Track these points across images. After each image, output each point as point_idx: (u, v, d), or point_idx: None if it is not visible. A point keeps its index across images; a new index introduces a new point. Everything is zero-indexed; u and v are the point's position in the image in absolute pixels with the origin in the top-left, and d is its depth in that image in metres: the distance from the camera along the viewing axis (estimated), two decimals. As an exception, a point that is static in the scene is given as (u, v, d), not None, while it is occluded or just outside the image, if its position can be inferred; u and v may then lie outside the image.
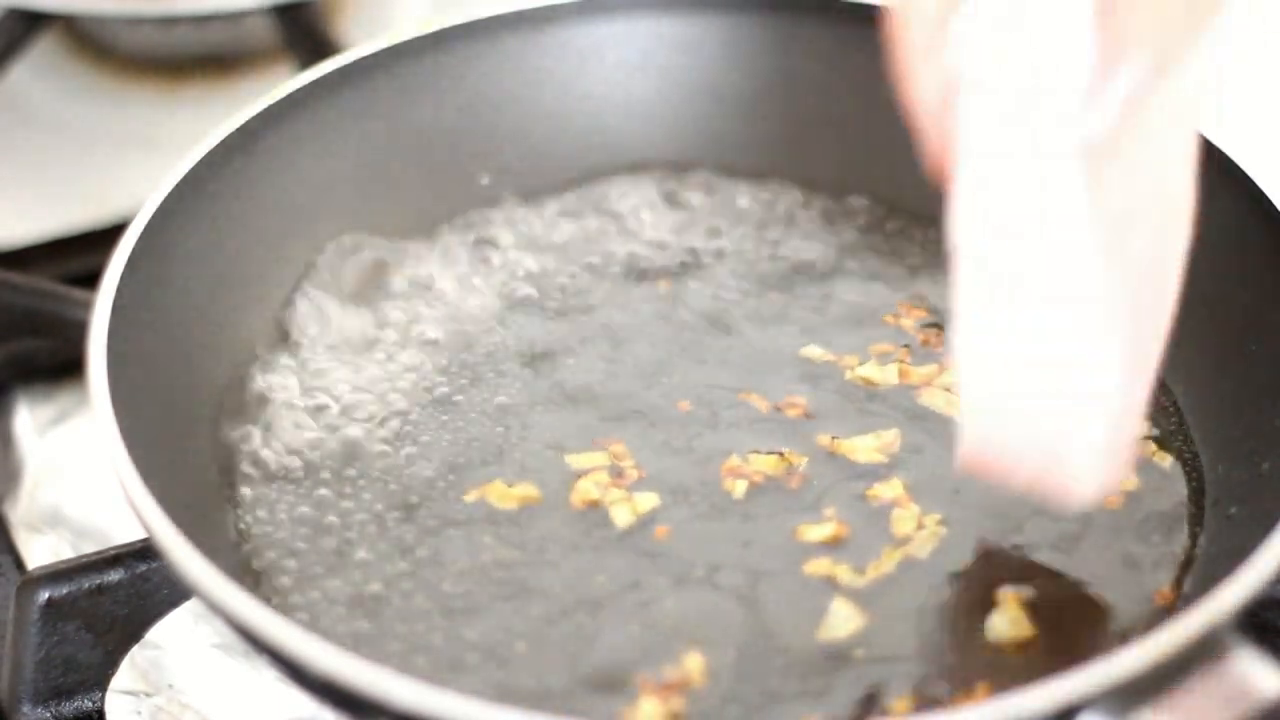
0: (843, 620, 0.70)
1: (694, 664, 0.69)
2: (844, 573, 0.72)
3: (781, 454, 0.77)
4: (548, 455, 0.78)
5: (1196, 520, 0.75)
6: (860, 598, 0.71)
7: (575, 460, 0.77)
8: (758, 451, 0.77)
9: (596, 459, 0.77)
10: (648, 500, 0.75)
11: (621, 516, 0.75)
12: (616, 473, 0.77)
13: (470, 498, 0.76)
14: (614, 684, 0.69)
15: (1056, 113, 0.63)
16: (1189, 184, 0.68)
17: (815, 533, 0.74)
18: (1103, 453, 0.68)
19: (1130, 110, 0.63)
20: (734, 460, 0.77)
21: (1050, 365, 0.66)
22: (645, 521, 0.75)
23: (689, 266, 0.88)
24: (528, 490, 0.76)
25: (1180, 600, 0.71)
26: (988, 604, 0.70)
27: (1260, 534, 0.66)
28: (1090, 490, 0.69)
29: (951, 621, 0.71)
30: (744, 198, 0.91)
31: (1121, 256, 0.65)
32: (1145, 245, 0.66)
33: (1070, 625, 0.70)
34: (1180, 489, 0.76)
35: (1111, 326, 0.65)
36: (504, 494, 0.76)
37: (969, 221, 0.66)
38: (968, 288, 0.67)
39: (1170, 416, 0.79)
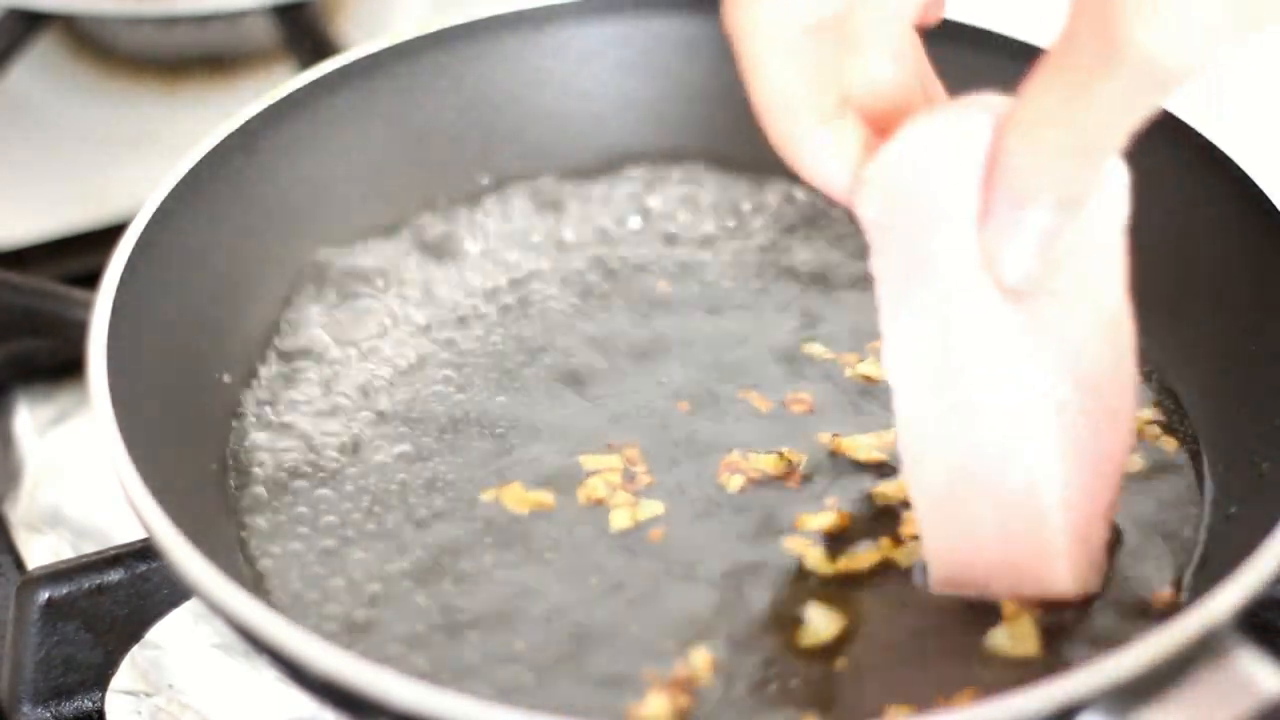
0: (825, 624, 0.70)
1: (701, 660, 0.69)
2: (822, 563, 0.72)
3: (781, 453, 0.77)
4: (552, 457, 0.78)
5: (1196, 520, 0.75)
6: (838, 599, 0.71)
7: (589, 461, 0.77)
8: (756, 450, 0.77)
9: (610, 461, 0.77)
10: (651, 508, 0.75)
11: (620, 519, 0.75)
12: (629, 477, 0.76)
13: (487, 497, 0.76)
14: (619, 681, 0.69)
15: (970, 261, 0.64)
16: (1122, 298, 0.68)
17: (815, 522, 0.74)
18: (1071, 556, 0.69)
19: (1046, 250, 0.63)
20: (734, 456, 0.77)
21: (1005, 490, 0.67)
22: (643, 526, 0.75)
23: (689, 265, 0.88)
24: (543, 495, 0.76)
25: (1180, 600, 0.71)
26: (995, 613, 0.70)
27: (1260, 534, 0.66)
28: (1069, 587, 0.70)
29: (947, 625, 0.71)
30: (744, 197, 0.91)
31: (1075, 380, 0.67)
32: (1095, 361, 0.68)
33: (1073, 644, 0.70)
34: (1181, 488, 0.76)
35: (1065, 441, 0.67)
36: (520, 498, 0.76)
37: (901, 365, 0.68)
38: (908, 427, 0.69)
39: (1172, 415, 0.79)
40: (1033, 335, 0.66)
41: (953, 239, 0.65)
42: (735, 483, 0.76)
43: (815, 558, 0.72)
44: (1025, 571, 0.69)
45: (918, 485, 0.70)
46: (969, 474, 0.68)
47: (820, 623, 0.70)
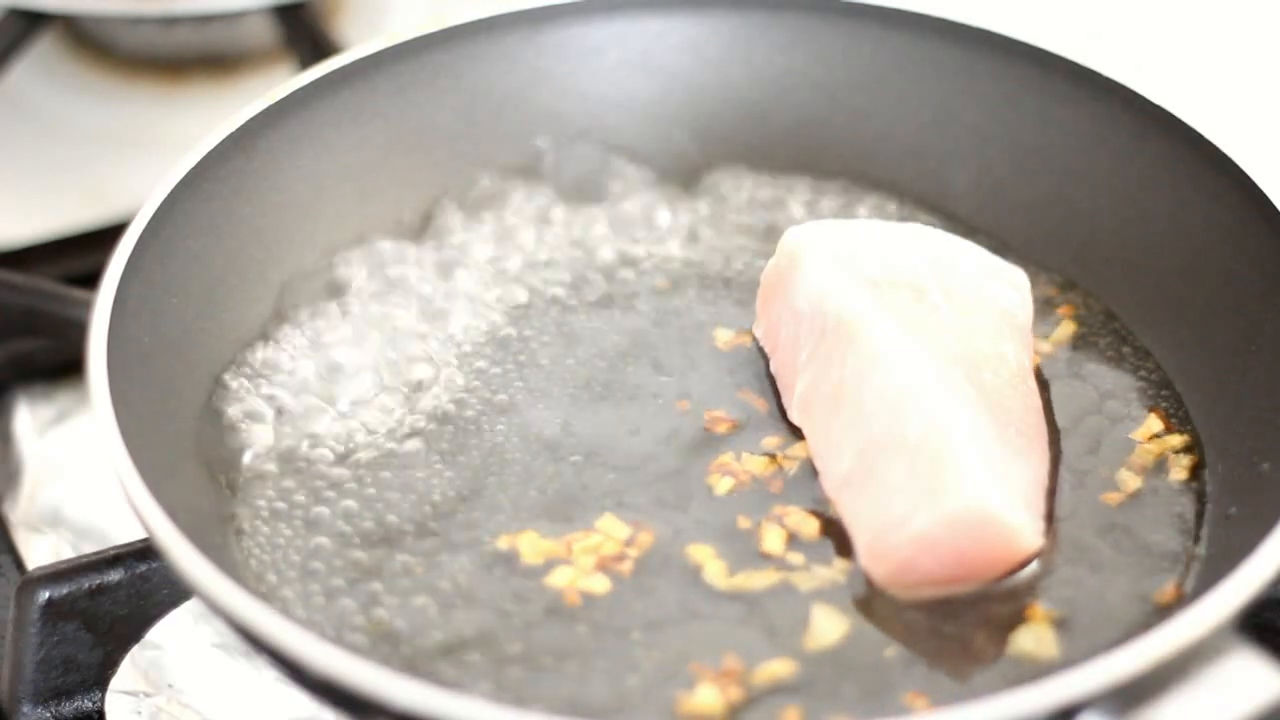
0: (831, 626, 0.70)
1: (781, 668, 0.69)
2: (803, 579, 0.72)
3: (773, 456, 0.77)
4: (555, 482, 0.77)
5: (1197, 520, 0.75)
6: (845, 604, 0.71)
7: (602, 522, 0.75)
8: (751, 452, 0.77)
9: (619, 531, 0.75)
10: (599, 583, 0.73)
11: (561, 578, 0.73)
12: (618, 558, 0.74)
13: (502, 544, 0.74)
14: (669, 674, 0.69)
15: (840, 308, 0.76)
16: (999, 343, 0.77)
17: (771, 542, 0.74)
18: (985, 478, 0.70)
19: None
20: (726, 457, 0.77)
21: (909, 441, 0.71)
22: (589, 596, 0.73)
23: (690, 264, 0.88)
24: (554, 547, 0.74)
25: (1181, 600, 0.71)
26: (1016, 617, 0.71)
27: (1260, 534, 0.67)
28: (1031, 537, 0.71)
29: (956, 625, 0.71)
30: (745, 196, 0.91)
31: (978, 383, 0.74)
32: (993, 375, 0.75)
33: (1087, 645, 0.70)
34: (1181, 488, 0.76)
35: (954, 393, 0.73)
36: (535, 546, 0.74)
37: (805, 410, 0.77)
38: (818, 446, 0.76)
39: (1172, 415, 0.79)
40: (908, 334, 0.74)
41: (817, 296, 0.77)
42: (724, 485, 0.76)
43: (803, 580, 0.73)
44: (953, 524, 0.70)
45: (835, 482, 0.74)
46: (874, 443, 0.72)
47: (825, 625, 0.70)
